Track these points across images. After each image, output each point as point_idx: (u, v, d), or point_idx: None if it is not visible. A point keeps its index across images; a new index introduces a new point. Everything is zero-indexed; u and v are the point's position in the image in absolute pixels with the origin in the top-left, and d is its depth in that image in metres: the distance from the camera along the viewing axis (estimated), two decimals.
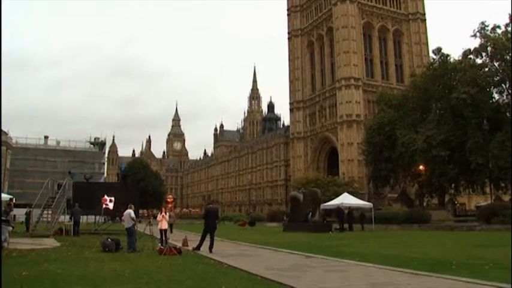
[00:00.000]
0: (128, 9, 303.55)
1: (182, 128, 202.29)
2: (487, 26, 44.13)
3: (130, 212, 17.96)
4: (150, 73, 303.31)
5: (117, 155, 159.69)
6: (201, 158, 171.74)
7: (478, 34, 44.22)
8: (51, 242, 21.93)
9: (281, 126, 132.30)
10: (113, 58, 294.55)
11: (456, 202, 64.01)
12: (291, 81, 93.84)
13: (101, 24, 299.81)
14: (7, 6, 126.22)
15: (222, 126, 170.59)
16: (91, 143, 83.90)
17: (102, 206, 22.66)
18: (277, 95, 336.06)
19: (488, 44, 43.03)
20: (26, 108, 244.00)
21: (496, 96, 44.99)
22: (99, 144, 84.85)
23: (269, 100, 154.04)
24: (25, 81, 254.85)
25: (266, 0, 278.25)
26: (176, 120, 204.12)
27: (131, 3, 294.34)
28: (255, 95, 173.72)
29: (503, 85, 43.39)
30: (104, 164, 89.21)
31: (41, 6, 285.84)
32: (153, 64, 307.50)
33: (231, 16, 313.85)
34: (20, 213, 38.91)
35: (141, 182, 78.09)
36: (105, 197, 22.89)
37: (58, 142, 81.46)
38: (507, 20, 43.32)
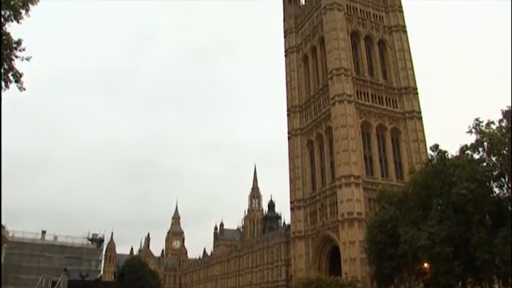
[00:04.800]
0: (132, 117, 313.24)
1: (182, 226, 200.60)
2: (482, 122, 45.11)
3: None
4: (151, 173, 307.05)
5: (115, 252, 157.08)
6: (201, 257, 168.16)
7: (473, 130, 45.12)
8: None
9: (282, 225, 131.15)
10: (120, 160, 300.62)
11: None
12: (291, 180, 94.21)
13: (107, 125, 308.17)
14: (28, 107, 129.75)
15: (222, 224, 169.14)
16: (89, 239, 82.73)
17: None
18: (278, 193, 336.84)
19: (484, 139, 43.77)
20: (35, 205, 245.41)
21: (497, 190, 44.99)
22: (97, 240, 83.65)
23: (269, 199, 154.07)
24: (33, 179, 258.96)
25: (265, 101, 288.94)
26: (176, 218, 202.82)
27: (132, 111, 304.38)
28: (255, 194, 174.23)
29: (502, 179, 43.55)
30: (100, 261, 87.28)
31: (58, 107, 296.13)
32: (156, 164, 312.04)
33: (231, 117, 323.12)
34: None
35: (139, 280, 76.27)
36: None
37: (55, 237, 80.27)
38: (500, 116, 44.54)
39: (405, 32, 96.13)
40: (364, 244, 61.48)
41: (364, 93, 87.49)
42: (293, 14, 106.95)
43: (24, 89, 25.72)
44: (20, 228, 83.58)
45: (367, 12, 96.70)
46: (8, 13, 23.91)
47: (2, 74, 24.36)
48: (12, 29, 24.42)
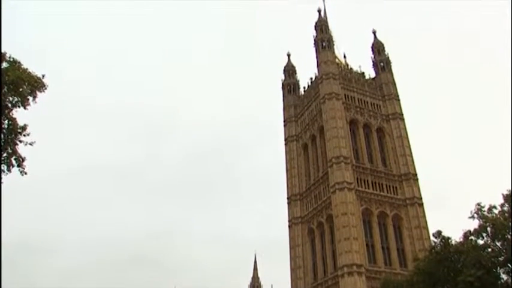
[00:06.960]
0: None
1: None
2: (483, 207, 45.06)
3: None
4: (149, 262, 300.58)
5: None
6: None
7: (475, 215, 44.96)
8: None
9: None
10: (120, 249, 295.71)
11: None
12: (292, 269, 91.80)
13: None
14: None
15: None
16: None
17: None
18: (278, 282, 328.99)
19: (487, 224, 43.50)
20: None
21: (504, 276, 43.97)
22: None
23: None
24: (33, 266, 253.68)
25: (264, 189, 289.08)
26: None
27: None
28: (255, 284, 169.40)
29: (509, 265, 42.75)
30: None
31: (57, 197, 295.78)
32: (154, 253, 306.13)
33: (230, 205, 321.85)
34: None
35: None
36: None
37: None
38: (501, 200, 44.50)
39: (403, 119, 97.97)
40: None
41: (364, 180, 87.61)
42: (292, 103, 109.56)
43: (25, 173, 25.79)
44: None
45: (364, 101, 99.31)
46: (15, 99, 24.48)
47: (6, 158, 24.56)
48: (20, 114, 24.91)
